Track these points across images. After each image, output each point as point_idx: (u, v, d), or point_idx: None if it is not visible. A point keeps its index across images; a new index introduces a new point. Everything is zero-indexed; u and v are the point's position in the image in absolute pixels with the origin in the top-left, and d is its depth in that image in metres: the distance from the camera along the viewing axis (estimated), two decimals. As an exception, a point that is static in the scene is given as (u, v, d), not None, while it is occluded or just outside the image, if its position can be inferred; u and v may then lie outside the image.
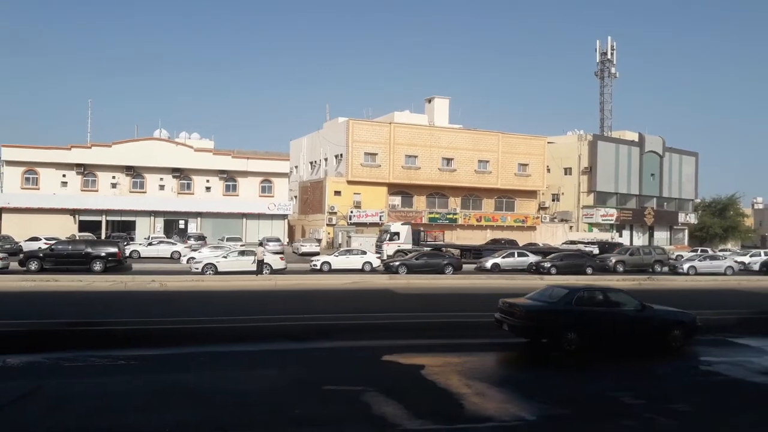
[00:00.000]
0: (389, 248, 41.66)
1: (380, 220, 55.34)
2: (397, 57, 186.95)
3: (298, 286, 27.13)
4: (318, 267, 33.86)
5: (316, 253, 42.06)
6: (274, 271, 30.56)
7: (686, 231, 77.53)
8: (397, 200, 58.30)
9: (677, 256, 42.19)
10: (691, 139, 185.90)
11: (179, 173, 52.37)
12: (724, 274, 36.88)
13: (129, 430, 7.60)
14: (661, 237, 73.99)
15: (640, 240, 70.74)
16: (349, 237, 49.56)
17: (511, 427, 7.94)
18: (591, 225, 66.84)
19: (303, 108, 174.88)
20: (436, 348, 13.40)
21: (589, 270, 35.32)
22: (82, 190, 50.07)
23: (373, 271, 33.75)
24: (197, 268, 30.02)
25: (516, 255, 37.65)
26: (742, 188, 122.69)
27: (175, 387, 9.81)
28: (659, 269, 38.05)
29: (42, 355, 11.95)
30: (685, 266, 37.30)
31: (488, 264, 36.40)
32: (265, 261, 30.67)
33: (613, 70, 75.19)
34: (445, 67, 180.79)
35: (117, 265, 30.80)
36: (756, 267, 41.10)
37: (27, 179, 49.06)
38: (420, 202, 59.19)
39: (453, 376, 10.70)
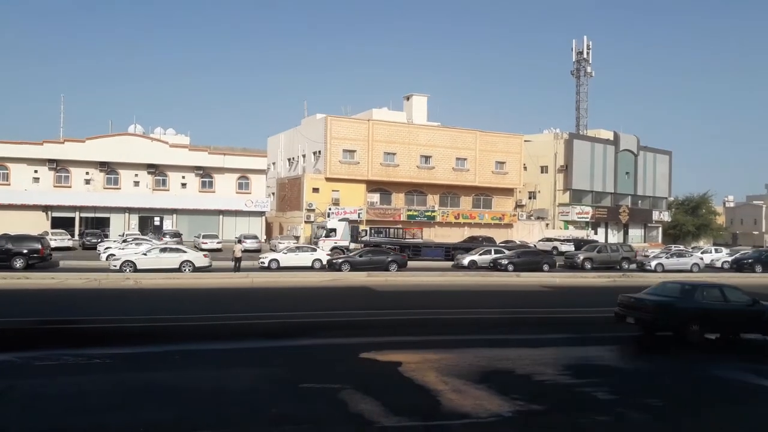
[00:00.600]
0: (326, 245, 40.57)
1: (359, 217, 55.29)
2: (376, 54, 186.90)
3: (274, 284, 27.01)
4: (266, 264, 33.24)
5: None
6: (196, 269, 29.54)
7: (660, 229, 78.81)
8: (375, 197, 58.31)
9: (645, 254, 42.74)
10: (664, 138, 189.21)
11: (154, 169, 51.74)
12: (691, 270, 37.62)
13: (104, 430, 7.51)
14: (635, 234, 75.12)
15: (614, 237, 71.74)
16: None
17: (488, 424, 8.01)
18: (567, 222, 67.61)
19: (280, 104, 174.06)
20: (413, 345, 13.46)
21: (545, 267, 35.52)
22: (54, 186, 49.21)
23: (323, 268, 33.25)
24: (115, 266, 28.61)
25: (493, 252, 37.89)
26: (714, 187, 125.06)
27: (151, 386, 9.72)
28: (627, 266, 38.55)
29: (14, 354, 11.74)
30: (653, 263, 37.88)
31: (465, 261, 36.60)
32: (192, 264, 29.68)
33: (588, 69, 76.09)
34: (423, 64, 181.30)
35: (40, 262, 29.37)
36: (718, 264, 42.21)
37: (-3, 174, 48.05)
38: (398, 199, 59.27)
39: (430, 372, 10.75)
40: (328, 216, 54.21)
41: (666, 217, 78.77)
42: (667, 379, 11.05)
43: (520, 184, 65.30)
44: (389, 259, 33.48)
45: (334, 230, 43.17)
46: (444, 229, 58.96)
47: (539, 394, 9.59)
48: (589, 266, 37.28)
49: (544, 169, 69.28)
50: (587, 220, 68.45)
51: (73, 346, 12.61)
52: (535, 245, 46.88)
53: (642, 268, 37.91)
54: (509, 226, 63.13)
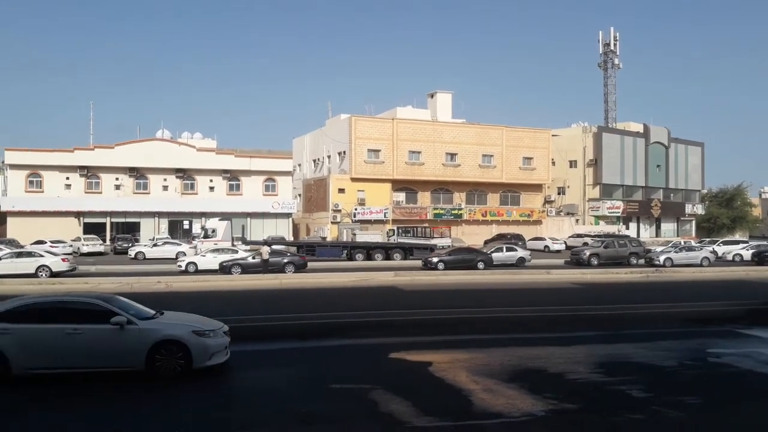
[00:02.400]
0: (204, 246, 38.53)
1: (385, 217, 55.29)
2: (399, 52, 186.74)
3: (301, 285, 27.06)
4: (183, 268, 31.79)
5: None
6: (53, 274, 28.09)
7: (693, 222, 77.21)
8: (401, 196, 58.23)
9: (659, 247, 41.75)
10: (696, 129, 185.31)
11: (182, 173, 52.45)
12: (701, 265, 36.44)
13: (138, 429, 7.56)
14: (668, 228, 73.72)
15: (647, 232, 70.55)
16: (354, 234, 49.52)
17: (521, 423, 7.85)
18: (597, 218, 66.65)
19: (305, 106, 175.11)
20: (443, 345, 13.32)
21: (480, 265, 33.75)
22: (85, 192, 50.22)
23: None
24: None
25: (505, 250, 37.48)
26: (749, 178, 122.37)
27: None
28: (635, 262, 37.52)
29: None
30: (662, 258, 36.79)
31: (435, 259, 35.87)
32: (49, 269, 28.50)
33: (616, 60, 74.86)
34: (447, 61, 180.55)
35: None
36: (729, 257, 41.25)
37: (31, 182, 49.23)
38: (424, 197, 59.08)
39: (461, 372, 10.61)
40: (354, 216, 54.31)
41: (699, 210, 77.12)
42: (704, 376, 10.73)
43: (548, 179, 64.58)
44: (285, 261, 31.67)
45: (215, 230, 41.06)
46: (471, 227, 58.63)
47: (572, 392, 9.38)
48: (595, 262, 36.37)
49: (572, 164, 68.38)
50: (618, 214, 67.37)
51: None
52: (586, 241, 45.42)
53: (650, 263, 36.91)
54: (538, 222, 62.50)
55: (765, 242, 45.69)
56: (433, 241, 45.54)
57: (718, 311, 17.99)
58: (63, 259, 30.27)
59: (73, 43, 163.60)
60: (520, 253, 37.35)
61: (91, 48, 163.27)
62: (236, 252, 33.75)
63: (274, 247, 35.81)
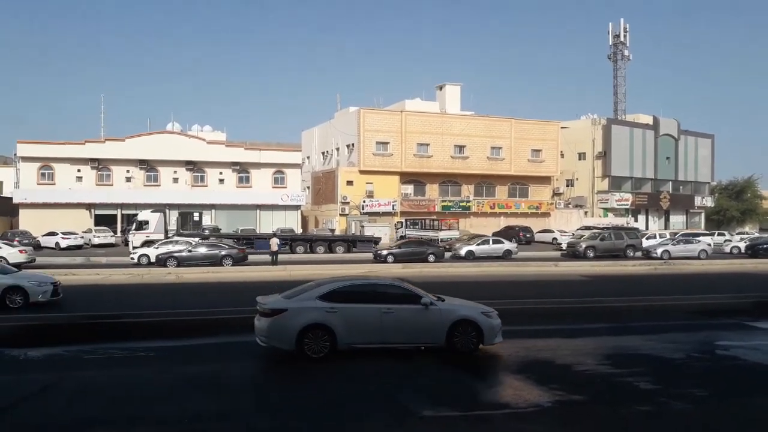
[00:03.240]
0: (136, 239, 37.48)
1: (393, 209, 55.37)
2: (407, 44, 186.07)
3: (312, 276, 27.22)
4: (135, 260, 31.13)
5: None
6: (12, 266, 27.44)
7: (703, 214, 76.77)
8: (409, 189, 58.26)
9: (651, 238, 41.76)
10: (707, 121, 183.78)
11: (192, 166, 52.69)
12: (698, 257, 36.38)
13: (150, 420, 7.72)
14: (677, 221, 73.35)
15: (656, 224, 70.21)
16: (362, 227, 49.66)
17: (528, 414, 7.96)
18: (606, 210, 66.41)
19: (313, 98, 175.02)
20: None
21: (431, 258, 33.56)
22: (97, 185, 50.55)
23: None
24: None
25: (491, 242, 37.77)
26: (759, 170, 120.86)
27: (194, 377, 9.93)
28: (632, 254, 37.45)
29: (62, 348, 12.14)
30: (659, 251, 36.81)
31: (462, 252, 36.28)
32: (5, 260, 27.39)
33: (626, 52, 74.26)
34: (456, 53, 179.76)
35: None
36: (727, 250, 41.52)
37: (43, 174, 49.60)
38: (433, 190, 59.08)
39: (469, 363, 10.72)
40: (362, 209, 54.40)
41: (709, 202, 76.64)
42: (712, 369, 10.79)
43: (557, 171, 64.36)
44: (223, 254, 30.86)
45: (147, 222, 39.38)
46: (479, 219, 58.56)
47: (579, 384, 9.48)
48: (591, 254, 36.31)
49: (581, 156, 68.09)
50: (627, 207, 67.09)
51: (119, 340, 12.98)
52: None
53: (648, 255, 36.86)
54: (546, 215, 62.35)
55: (748, 234, 45.75)
56: (441, 234, 45.56)
57: (726, 304, 18.03)
58: (21, 251, 30.06)
59: (83, 36, 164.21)
60: (507, 245, 37.60)
61: (102, 41, 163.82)
62: (219, 245, 32.36)
63: (211, 240, 35.19)
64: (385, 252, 33.99)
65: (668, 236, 42.87)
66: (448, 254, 36.95)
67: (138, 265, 30.39)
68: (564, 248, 40.37)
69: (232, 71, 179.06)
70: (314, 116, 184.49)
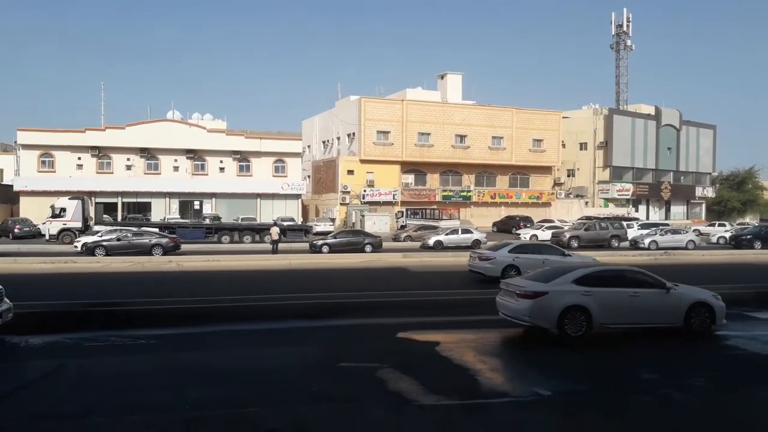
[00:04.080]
0: (53, 227, 36.72)
1: (393, 198, 55.35)
2: (409, 33, 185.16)
3: (314, 266, 27.27)
4: (79, 249, 30.25)
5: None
6: None
7: (703, 205, 76.77)
8: (410, 178, 58.19)
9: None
10: (709, 112, 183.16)
11: (193, 154, 52.59)
12: (686, 248, 36.28)
13: (150, 407, 7.73)
14: (677, 211, 73.36)
15: (656, 215, 70.23)
16: (363, 216, 49.65)
17: (528, 403, 7.97)
18: (607, 200, 66.41)
19: (314, 87, 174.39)
20: (449, 325, 13.45)
21: (368, 248, 33.14)
22: (97, 173, 50.48)
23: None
24: None
25: (460, 232, 37.72)
26: (760, 161, 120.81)
27: (194, 365, 9.95)
28: (616, 244, 37.43)
29: (63, 336, 12.15)
30: (646, 241, 36.80)
31: (431, 242, 36.31)
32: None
33: (629, 42, 73.92)
34: (457, 42, 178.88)
35: None
36: (714, 240, 41.65)
37: (43, 162, 49.54)
38: (433, 179, 59.01)
39: (468, 352, 10.73)
40: (363, 198, 54.36)
41: (710, 193, 76.61)
42: (712, 359, 10.81)
43: (558, 161, 64.27)
44: (153, 242, 30.33)
45: (64, 209, 37.87)
46: (480, 209, 58.57)
47: (580, 373, 9.49)
48: (575, 245, 36.14)
49: (583, 146, 67.98)
50: (628, 197, 67.09)
51: (119, 328, 12.99)
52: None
53: (635, 245, 36.91)
54: (547, 204, 62.32)
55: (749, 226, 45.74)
56: (441, 223, 45.57)
57: (726, 294, 17.98)
58: None
59: (84, 24, 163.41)
60: (476, 235, 37.71)
61: (102, 29, 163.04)
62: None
63: (144, 228, 34.54)
64: (319, 242, 33.32)
65: (636, 227, 42.55)
66: (417, 244, 37.17)
67: (81, 253, 29.44)
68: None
69: (232, 60, 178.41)
70: (315, 105, 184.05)
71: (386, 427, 7.23)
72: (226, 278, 22.44)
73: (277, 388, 8.66)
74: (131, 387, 8.68)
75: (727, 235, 41.47)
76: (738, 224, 54.82)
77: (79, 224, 37.40)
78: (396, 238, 41.60)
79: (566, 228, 42.03)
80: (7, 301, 11.28)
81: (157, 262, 26.52)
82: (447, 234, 37.05)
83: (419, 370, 9.28)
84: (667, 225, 44.63)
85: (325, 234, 40.37)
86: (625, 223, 42.67)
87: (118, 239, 30.13)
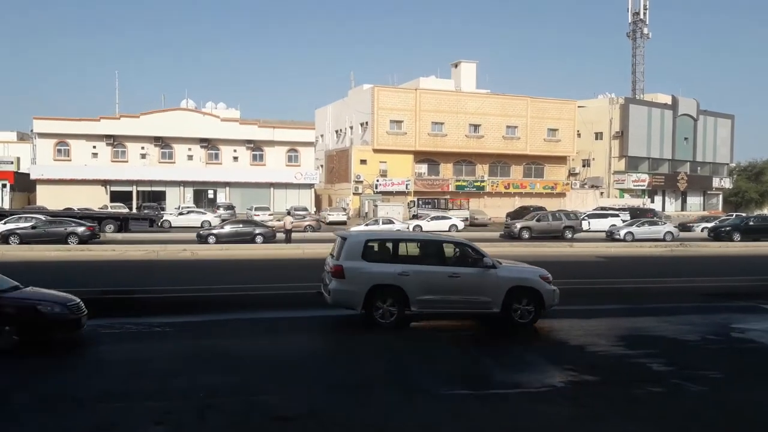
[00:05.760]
0: None
1: (406, 188, 55.28)
2: (423, 21, 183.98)
3: (324, 254, 27.29)
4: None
5: (343, 223, 42.20)
6: None
7: (720, 196, 75.91)
8: (423, 168, 58.04)
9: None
10: (727, 101, 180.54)
11: (207, 143, 52.84)
12: (664, 239, 35.72)
13: (166, 394, 7.81)
14: (694, 202, 72.64)
15: (672, 205, 69.63)
16: (376, 206, 49.67)
17: (540, 394, 7.96)
18: (622, 191, 65.87)
19: (327, 76, 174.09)
20: (462, 314, 13.42)
21: (259, 239, 31.57)
22: (112, 161, 50.94)
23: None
24: None
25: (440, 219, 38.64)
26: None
27: (210, 353, 10.01)
28: (570, 236, 36.82)
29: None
30: (622, 232, 36.42)
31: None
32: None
33: (645, 30, 72.98)
34: (471, 31, 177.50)
35: None
36: (698, 230, 41.70)
37: (59, 151, 50.03)
38: (447, 169, 58.81)
39: (481, 342, 10.73)
40: (376, 188, 54.31)
41: (727, 183, 75.69)
42: (726, 351, 10.71)
43: (573, 151, 63.78)
44: (68, 231, 29.64)
45: None
46: (494, 199, 58.34)
47: (592, 364, 9.45)
48: (526, 236, 35.79)
49: (598, 136, 67.37)
50: (644, 188, 66.50)
51: (135, 315, 13.11)
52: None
53: (611, 237, 36.51)
54: (562, 195, 61.93)
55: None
56: (450, 213, 45.50)
57: (742, 286, 17.83)
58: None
59: (98, 13, 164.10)
60: (453, 221, 39.32)
61: (117, 18, 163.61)
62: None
63: (57, 218, 33.00)
64: (205, 233, 32.12)
65: (578, 215, 41.88)
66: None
67: None
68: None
69: (245, 49, 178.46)
70: (328, 94, 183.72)
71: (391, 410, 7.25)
72: (244, 267, 22.57)
73: (293, 375, 8.71)
74: (147, 373, 8.78)
75: (707, 225, 41.27)
76: (755, 216, 54.07)
77: None
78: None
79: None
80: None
81: (172, 251, 26.68)
82: (431, 219, 37.43)
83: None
84: (653, 216, 44.34)
85: (339, 223, 40.53)
86: (579, 214, 41.93)
87: (33, 227, 29.77)
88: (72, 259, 24.04)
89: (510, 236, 36.34)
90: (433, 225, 38.58)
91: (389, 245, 12.08)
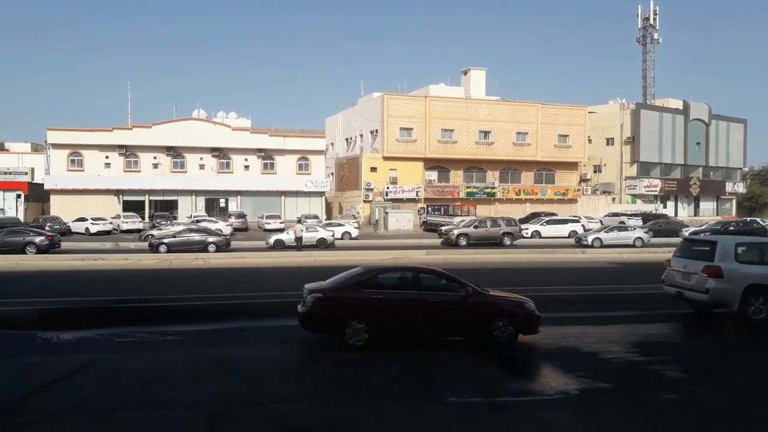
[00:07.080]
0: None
1: (417, 195, 55.27)
2: (432, 29, 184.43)
3: (337, 262, 27.30)
4: None
5: (281, 230, 41.15)
6: None
7: (734, 201, 75.20)
8: (433, 175, 58.00)
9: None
10: (740, 106, 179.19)
11: (218, 152, 53.16)
12: (633, 245, 35.24)
13: (178, 402, 7.85)
14: (707, 207, 72.01)
15: (685, 211, 69.06)
16: (386, 213, 49.65)
17: (554, 401, 7.91)
18: (634, 196, 65.44)
19: (337, 84, 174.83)
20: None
21: (211, 248, 30.69)
22: (124, 171, 51.33)
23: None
24: None
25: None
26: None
27: (221, 361, 10.05)
28: (509, 242, 36.07)
29: (93, 331, 12.36)
30: (590, 238, 35.88)
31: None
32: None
33: (655, 35, 72.74)
34: (481, 38, 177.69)
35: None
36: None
37: (72, 161, 50.51)
38: (457, 176, 58.73)
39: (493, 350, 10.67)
40: (386, 195, 54.33)
41: (740, 188, 75.00)
42: (738, 358, 10.60)
43: (584, 157, 63.48)
44: (26, 240, 29.23)
45: None
46: (504, 205, 58.13)
47: (605, 371, 9.38)
48: (464, 243, 35.07)
49: (609, 142, 67.06)
50: (656, 193, 66.04)
51: (148, 324, 13.19)
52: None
53: (579, 243, 35.93)
54: (573, 201, 61.63)
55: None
56: (455, 219, 45.17)
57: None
58: None
59: (111, 25, 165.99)
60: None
61: (129, 29, 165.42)
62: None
63: (16, 228, 32.91)
64: (156, 242, 31.27)
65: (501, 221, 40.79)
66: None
67: None
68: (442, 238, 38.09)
69: (256, 58, 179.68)
70: (338, 102, 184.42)
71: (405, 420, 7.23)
72: (254, 275, 22.63)
73: (305, 382, 8.72)
74: (160, 381, 8.81)
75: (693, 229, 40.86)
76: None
77: None
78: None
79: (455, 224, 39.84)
80: None
81: (185, 260, 26.79)
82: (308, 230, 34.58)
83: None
84: (577, 220, 44.39)
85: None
86: (517, 220, 40.99)
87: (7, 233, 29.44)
88: (86, 268, 24.22)
89: (447, 243, 35.63)
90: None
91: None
